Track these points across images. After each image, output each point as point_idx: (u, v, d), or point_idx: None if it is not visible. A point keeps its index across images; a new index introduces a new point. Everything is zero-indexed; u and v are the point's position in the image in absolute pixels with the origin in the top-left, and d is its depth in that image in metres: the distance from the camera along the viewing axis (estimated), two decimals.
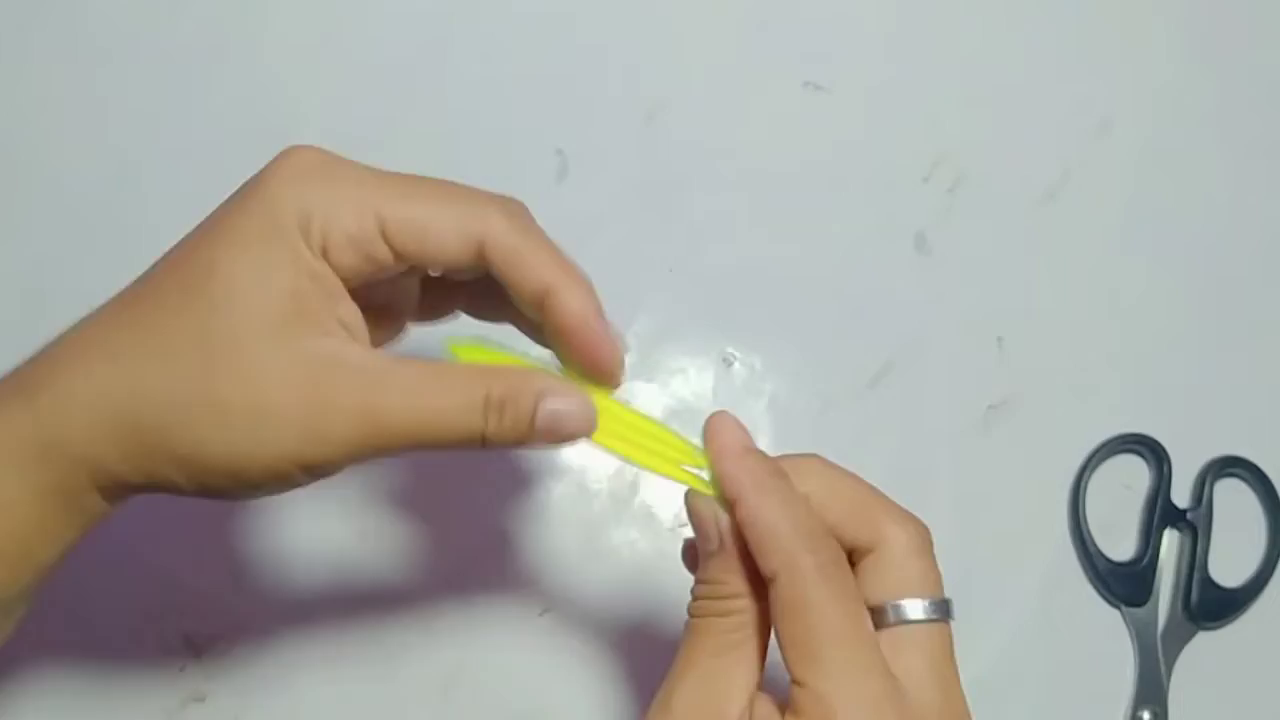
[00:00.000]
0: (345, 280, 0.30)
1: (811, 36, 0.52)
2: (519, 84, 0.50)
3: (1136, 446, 0.47)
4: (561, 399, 0.30)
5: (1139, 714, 0.44)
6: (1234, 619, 0.46)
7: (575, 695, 0.44)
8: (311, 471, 0.29)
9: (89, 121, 0.49)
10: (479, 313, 0.36)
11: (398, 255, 0.30)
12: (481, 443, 0.30)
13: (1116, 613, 0.46)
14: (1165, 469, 0.46)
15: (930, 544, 0.31)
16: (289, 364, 0.28)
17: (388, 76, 0.50)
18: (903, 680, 0.29)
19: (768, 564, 0.29)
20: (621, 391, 0.47)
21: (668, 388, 0.47)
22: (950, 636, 0.30)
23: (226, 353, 0.28)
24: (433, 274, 0.33)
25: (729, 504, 0.30)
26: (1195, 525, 0.46)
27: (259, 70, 0.50)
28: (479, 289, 0.34)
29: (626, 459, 0.33)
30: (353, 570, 0.44)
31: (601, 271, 0.48)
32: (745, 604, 0.30)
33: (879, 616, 0.30)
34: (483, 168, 0.49)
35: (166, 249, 0.31)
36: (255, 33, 0.51)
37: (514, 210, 0.31)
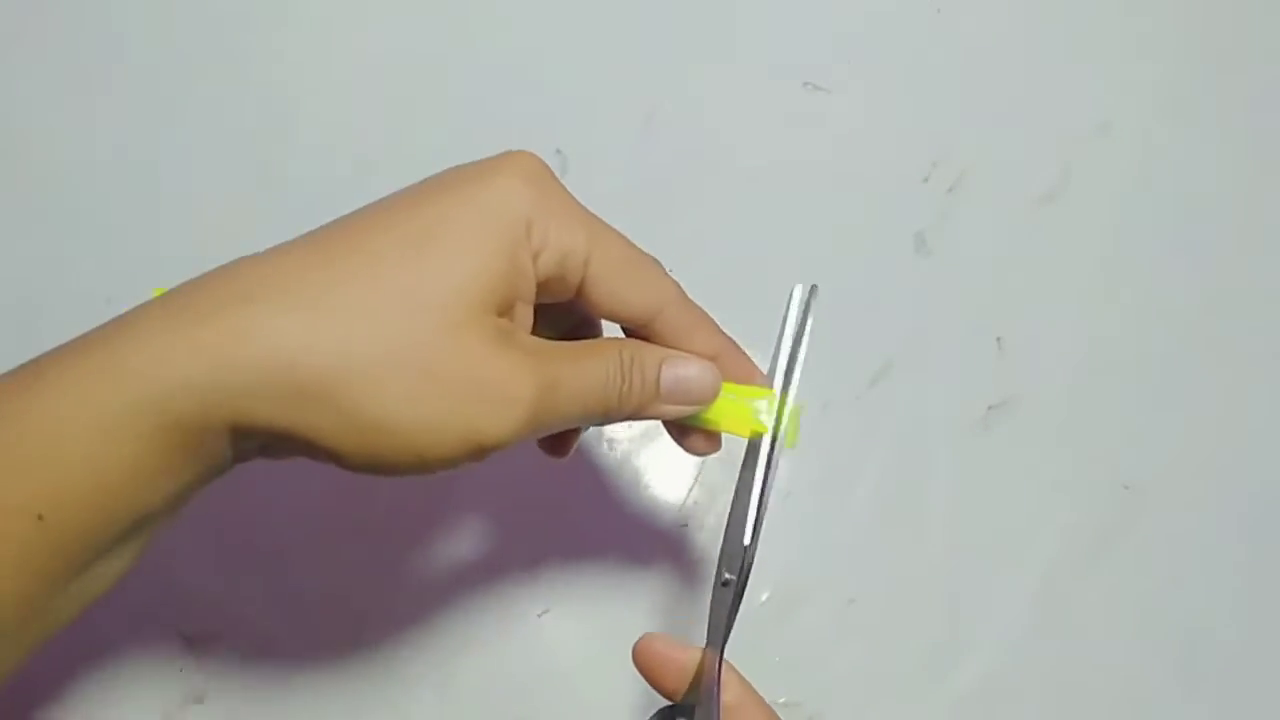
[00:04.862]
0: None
1: (811, 36, 0.52)
2: (519, 84, 0.50)
3: None
4: (682, 364, 0.34)
5: None
6: None
7: (575, 695, 0.44)
8: (484, 447, 0.29)
9: (89, 122, 0.49)
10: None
11: (581, 290, 0.32)
12: (616, 407, 0.32)
13: (1116, 614, 0.46)
14: None
15: None
16: (483, 339, 0.29)
17: (387, 77, 0.50)
18: None
19: None
20: None
21: None
22: None
23: (433, 320, 0.29)
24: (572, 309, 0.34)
25: None
26: None
27: (259, 72, 0.50)
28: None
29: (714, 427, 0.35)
30: (352, 570, 0.44)
31: None
32: None
33: None
34: None
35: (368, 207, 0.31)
36: (255, 35, 0.51)
37: (679, 287, 0.34)
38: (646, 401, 0.33)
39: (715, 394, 0.34)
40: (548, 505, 0.46)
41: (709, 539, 0.46)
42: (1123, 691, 0.45)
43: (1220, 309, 0.49)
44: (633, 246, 0.33)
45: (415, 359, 0.28)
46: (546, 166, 0.32)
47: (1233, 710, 0.45)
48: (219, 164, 0.49)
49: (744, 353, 0.35)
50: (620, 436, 0.47)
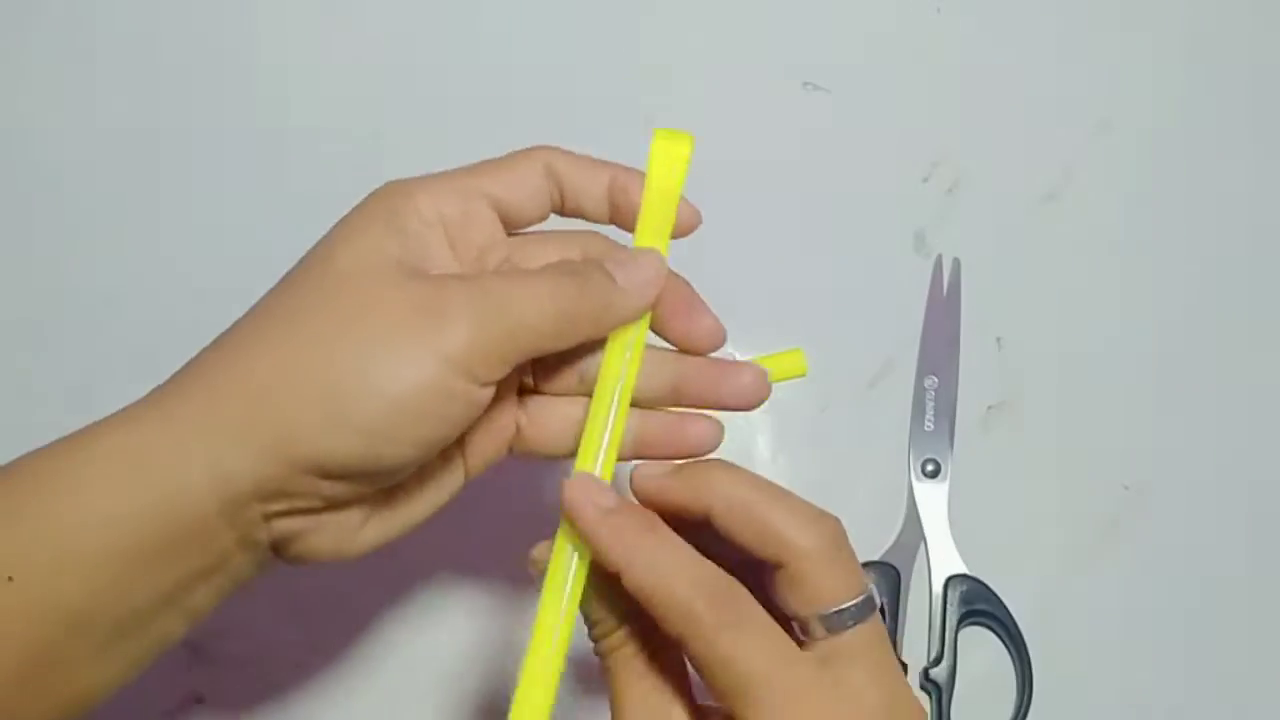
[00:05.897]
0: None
1: (811, 36, 0.52)
2: (518, 86, 0.50)
3: None
4: (624, 253, 0.34)
5: None
6: None
7: (575, 695, 0.44)
8: (451, 365, 0.29)
9: (89, 122, 0.49)
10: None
11: (506, 216, 0.33)
12: (576, 308, 0.31)
13: (1116, 613, 0.46)
14: None
15: (840, 540, 0.30)
16: (402, 293, 0.29)
17: (387, 78, 0.50)
18: (847, 690, 0.28)
19: (670, 629, 0.28)
20: None
21: None
22: (880, 631, 0.29)
23: (351, 311, 0.29)
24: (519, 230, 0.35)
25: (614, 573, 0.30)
26: None
27: (258, 72, 0.50)
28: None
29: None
30: (353, 570, 0.44)
31: None
32: (631, 629, 0.31)
33: (806, 629, 0.29)
34: None
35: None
36: (254, 34, 0.51)
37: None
38: (608, 295, 0.32)
39: (663, 270, 0.34)
40: (548, 506, 0.46)
41: None
42: (1122, 691, 0.45)
43: (1221, 308, 0.49)
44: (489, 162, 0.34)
45: (336, 357, 0.29)
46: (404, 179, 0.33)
47: (1232, 710, 0.45)
48: (219, 164, 0.49)
49: (634, 170, 0.36)
50: None
